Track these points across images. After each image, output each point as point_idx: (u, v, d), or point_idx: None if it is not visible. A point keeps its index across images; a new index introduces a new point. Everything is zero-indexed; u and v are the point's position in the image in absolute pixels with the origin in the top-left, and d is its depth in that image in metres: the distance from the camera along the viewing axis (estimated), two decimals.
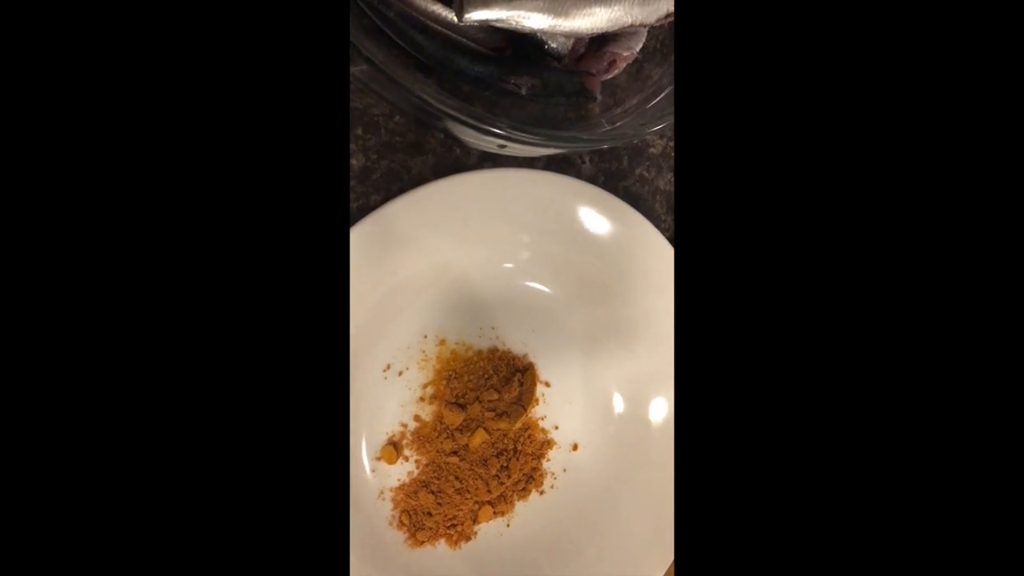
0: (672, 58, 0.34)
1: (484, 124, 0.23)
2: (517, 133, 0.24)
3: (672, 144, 0.41)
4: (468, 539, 0.34)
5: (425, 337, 0.33)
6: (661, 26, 0.32)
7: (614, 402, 0.36)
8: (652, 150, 0.40)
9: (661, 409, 0.36)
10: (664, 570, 0.36)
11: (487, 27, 0.29)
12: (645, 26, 0.31)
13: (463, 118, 0.23)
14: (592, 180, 0.39)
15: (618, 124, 0.30)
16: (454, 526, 0.33)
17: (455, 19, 0.28)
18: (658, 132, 0.40)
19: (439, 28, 0.30)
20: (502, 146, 0.25)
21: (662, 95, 0.33)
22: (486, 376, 0.34)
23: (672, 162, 0.40)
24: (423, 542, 0.33)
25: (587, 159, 0.39)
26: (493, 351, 0.35)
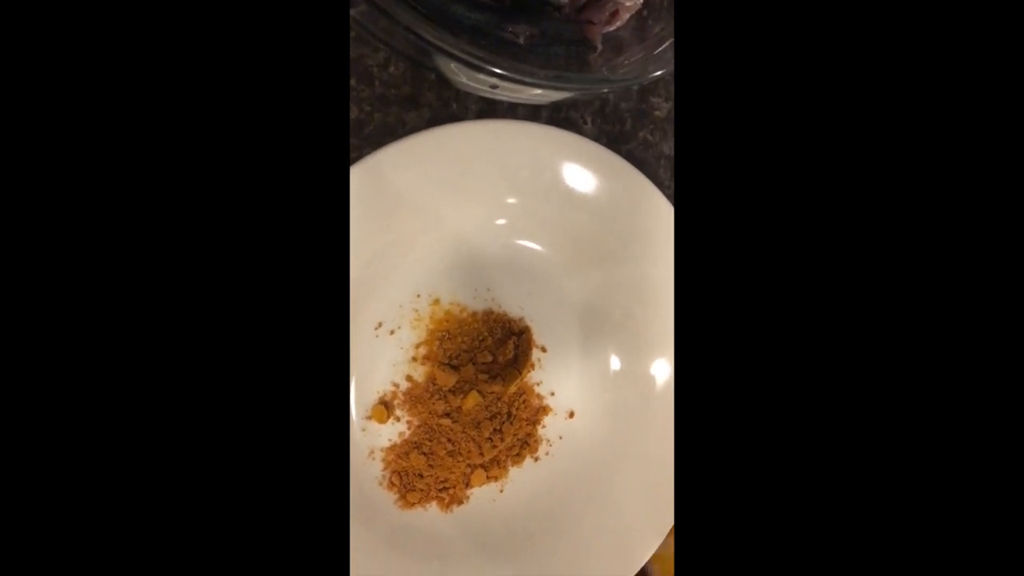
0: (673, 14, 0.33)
1: (476, 60, 0.22)
2: (510, 72, 0.23)
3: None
4: (460, 503, 0.33)
5: (418, 296, 0.33)
6: None
7: (611, 367, 0.35)
8: (657, 112, 0.39)
9: (660, 373, 0.35)
10: (659, 542, 0.35)
11: None
12: None
13: (456, 53, 0.22)
14: (594, 140, 0.38)
15: (619, 73, 0.29)
16: (446, 489, 0.33)
17: None
18: (663, 96, 0.39)
19: None
20: (494, 86, 0.25)
21: (666, 44, 0.32)
22: (480, 337, 0.33)
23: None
24: (414, 504, 0.32)
25: (589, 120, 0.38)
26: (488, 313, 0.34)
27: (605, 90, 0.26)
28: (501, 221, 0.33)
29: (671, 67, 0.28)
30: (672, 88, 0.39)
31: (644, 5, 0.33)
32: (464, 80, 0.26)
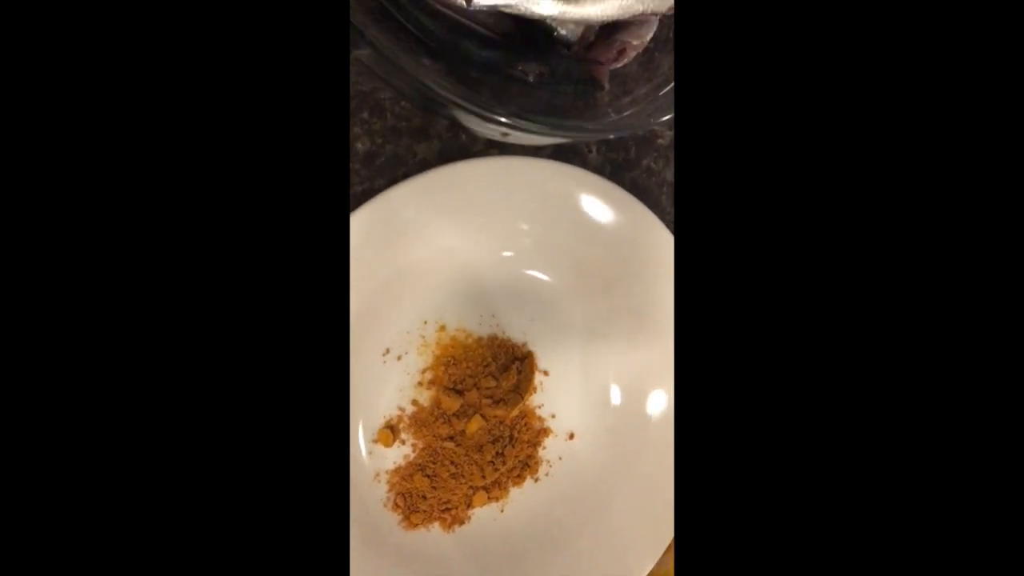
0: None
1: (487, 112, 0.23)
2: (520, 121, 0.23)
3: None
4: (462, 523, 0.34)
5: (425, 323, 0.34)
6: (673, 15, 0.32)
7: (612, 394, 0.36)
8: (660, 141, 0.40)
9: (659, 402, 0.36)
10: (656, 560, 0.36)
11: (496, 12, 0.29)
12: (657, 14, 0.31)
13: (466, 105, 0.23)
14: (598, 170, 0.39)
15: (625, 114, 0.30)
16: (448, 510, 0.34)
17: (464, 3, 0.28)
18: (666, 123, 0.40)
19: (447, 11, 0.30)
20: (505, 134, 0.25)
21: (671, 86, 0.33)
22: (484, 363, 0.34)
23: None
24: (417, 524, 0.33)
25: (594, 149, 0.38)
26: (493, 338, 0.35)
27: (611, 136, 0.27)
28: (508, 253, 0.33)
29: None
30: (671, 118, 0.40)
31: (651, 40, 0.34)
32: (474, 127, 0.26)
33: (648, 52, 0.34)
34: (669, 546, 0.36)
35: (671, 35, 0.35)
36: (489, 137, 0.30)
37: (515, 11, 0.28)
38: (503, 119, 0.23)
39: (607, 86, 0.30)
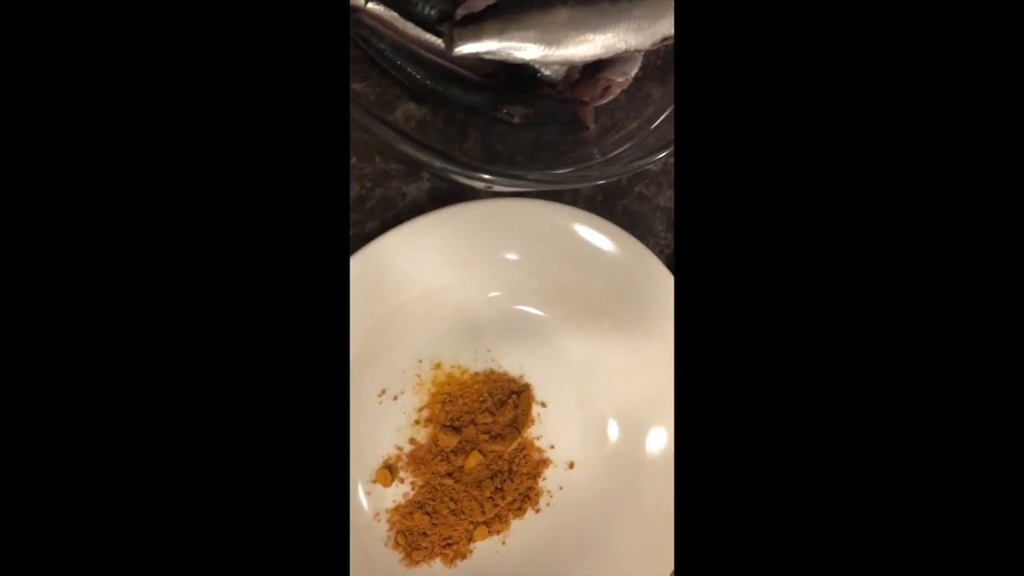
0: (672, 79, 0.33)
1: (467, 171, 0.23)
2: (501, 178, 0.24)
3: (672, 161, 0.40)
4: (463, 557, 0.34)
5: (420, 361, 0.34)
6: (663, 47, 0.32)
7: (609, 428, 0.36)
8: (651, 167, 0.40)
9: (658, 439, 0.36)
10: None
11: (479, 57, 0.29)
12: (640, 51, 0.31)
13: (446, 167, 0.23)
14: (591, 199, 0.39)
15: (614, 153, 0.30)
16: (449, 545, 0.34)
17: (446, 50, 0.28)
18: (657, 162, 0.40)
19: (432, 57, 0.30)
20: (489, 186, 0.25)
21: (662, 118, 0.32)
22: (481, 399, 0.34)
23: (672, 179, 0.40)
24: (419, 562, 0.33)
25: None
26: (489, 373, 0.35)
27: (601, 182, 0.27)
28: (497, 292, 0.34)
29: (663, 152, 0.28)
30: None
31: (640, 69, 0.34)
32: (460, 180, 0.26)
33: (638, 82, 0.34)
34: (670, 574, 0.36)
35: (661, 63, 0.35)
36: (474, 186, 0.31)
37: (498, 57, 0.28)
38: (484, 176, 0.24)
39: (592, 126, 0.30)
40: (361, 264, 0.30)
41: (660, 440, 0.36)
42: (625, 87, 0.31)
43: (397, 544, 0.33)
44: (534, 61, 0.29)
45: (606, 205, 0.38)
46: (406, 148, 0.22)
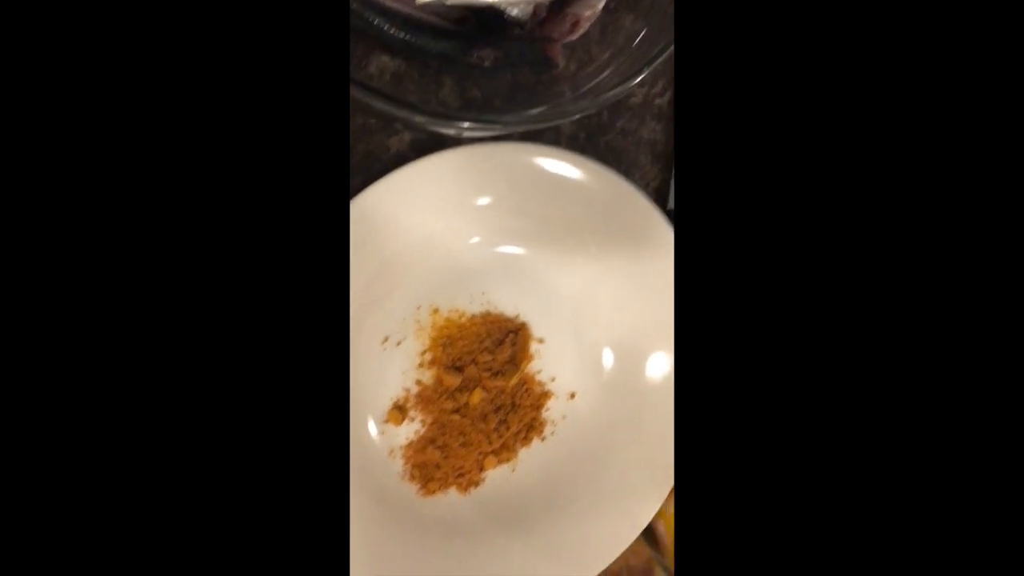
0: (643, 2, 0.33)
1: (441, 122, 0.24)
2: (474, 126, 0.24)
3: (654, 91, 0.40)
4: (476, 485, 0.37)
5: (419, 308, 0.36)
6: None
7: (605, 358, 0.38)
8: (633, 99, 0.40)
9: (658, 364, 0.38)
10: (661, 501, 0.39)
11: (444, 5, 0.29)
12: None
13: (419, 119, 0.24)
14: (573, 136, 0.39)
15: (583, 88, 0.30)
16: (462, 475, 0.37)
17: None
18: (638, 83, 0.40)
19: (399, 8, 0.30)
20: (461, 134, 0.26)
21: (636, 41, 0.32)
22: (480, 339, 0.36)
23: (654, 110, 0.40)
24: (434, 491, 0.36)
25: None
26: (486, 315, 0.37)
27: (579, 115, 0.27)
28: (486, 236, 0.35)
29: (637, 79, 0.28)
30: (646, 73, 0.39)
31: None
32: (435, 129, 0.27)
33: (611, 13, 0.34)
34: (672, 490, 0.39)
35: None
36: (450, 135, 0.31)
37: (462, 2, 0.28)
38: (459, 124, 0.24)
39: (560, 64, 0.31)
40: (350, 220, 0.31)
41: (658, 364, 0.38)
42: (593, 20, 0.31)
43: (413, 477, 0.36)
44: (499, 2, 0.29)
45: (589, 142, 0.39)
46: (378, 104, 0.23)
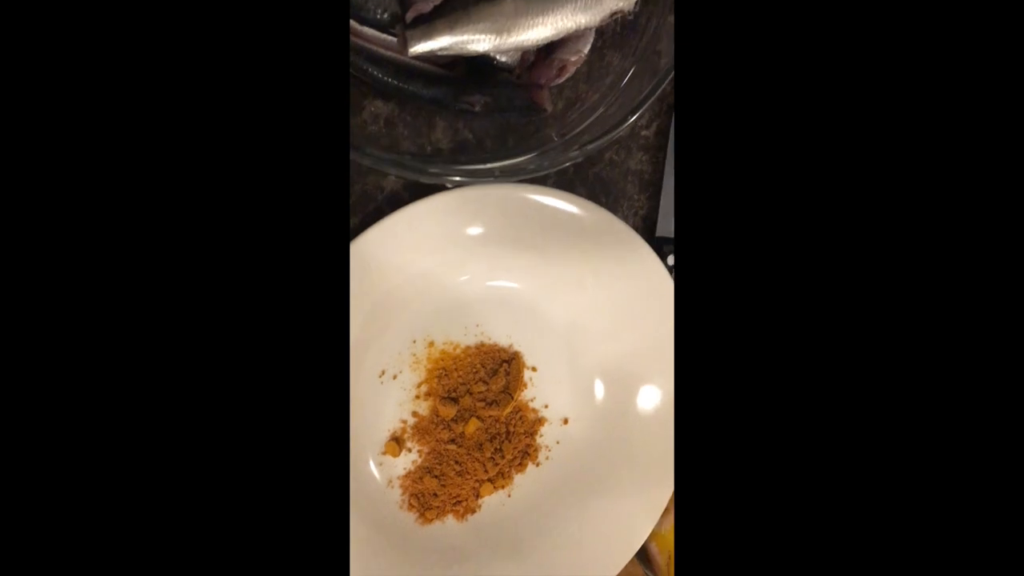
0: (630, 39, 0.34)
1: (437, 176, 0.25)
2: (468, 180, 0.25)
3: (640, 123, 0.41)
4: (473, 512, 0.38)
5: (414, 342, 0.36)
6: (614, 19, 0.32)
7: (597, 386, 0.39)
8: (619, 132, 0.41)
9: (647, 393, 0.39)
10: (654, 522, 0.40)
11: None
12: (591, 28, 0.32)
13: (410, 174, 0.25)
14: (562, 170, 0.40)
15: (570, 135, 0.31)
16: (459, 502, 0.37)
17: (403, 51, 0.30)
18: (624, 130, 0.41)
19: (391, 56, 0.31)
20: (456, 186, 0.27)
21: (624, 81, 0.33)
22: (474, 370, 0.37)
23: (640, 141, 0.41)
24: (432, 520, 0.37)
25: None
26: (480, 346, 0.38)
27: (566, 164, 0.28)
28: (479, 271, 0.36)
29: (616, 132, 0.30)
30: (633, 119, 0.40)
31: (598, 35, 0.34)
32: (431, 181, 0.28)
33: (598, 51, 0.35)
34: (667, 507, 0.40)
35: (618, 31, 0.35)
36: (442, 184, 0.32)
37: (453, 52, 0.29)
38: (454, 178, 0.25)
39: (548, 108, 0.32)
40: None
41: (650, 392, 0.39)
42: (580, 64, 0.33)
43: (411, 506, 0.37)
44: (488, 51, 0.30)
45: (577, 174, 0.40)
46: (363, 159, 0.24)
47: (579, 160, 0.29)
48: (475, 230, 0.34)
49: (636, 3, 0.31)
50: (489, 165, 0.26)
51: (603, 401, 0.39)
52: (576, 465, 0.40)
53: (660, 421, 0.38)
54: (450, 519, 0.38)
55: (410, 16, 0.28)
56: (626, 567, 0.39)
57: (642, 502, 0.39)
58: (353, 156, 0.24)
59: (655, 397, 0.39)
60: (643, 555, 0.42)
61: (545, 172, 0.28)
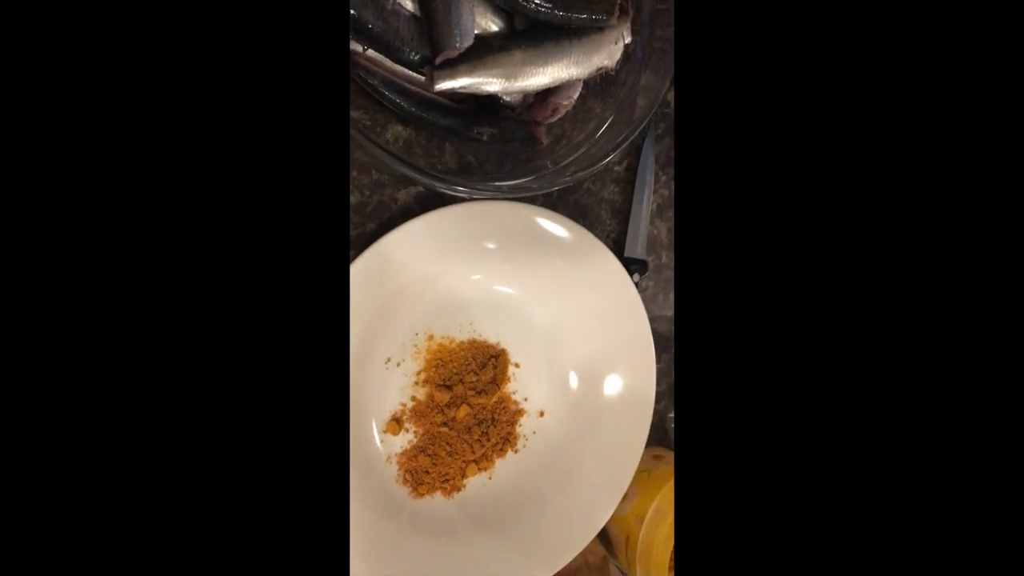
0: (611, 90, 0.41)
1: (449, 188, 0.31)
2: (476, 191, 0.31)
3: (612, 160, 0.48)
4: (459, 490, 0.43)
5: (417, 334, 0.42)
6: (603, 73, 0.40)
7: (571, 381, 0.45)
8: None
9: (612, 385, 0.45)
10: (614, 507, 0.45)
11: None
12: (580, 79, 0.39)
13: (432, 184, 0.31)
14: (547, 195, 0.47)
15: (561, 165, 0.38)
16: (447, 480, 0.42)
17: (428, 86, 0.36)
18: (603, 167, 0.48)
19: (415, 89, 0.37)
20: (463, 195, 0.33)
21: (602, 129, 0.40)
22: (467, 362, 0.43)
23: (613, 175, 0.48)
24: (423, 494, 0.42)
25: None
26: (472, 342, 0.43)
27: (557, 188, 0.35)
28: (481, 273, 0.42)
29: (599, 165, 0.36)
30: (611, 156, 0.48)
31: (585, 86, 0.42)
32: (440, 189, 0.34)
33: (583, 99, 0.42)
34: (625, 495, 0.45)
35: (600, 83, 0.43)
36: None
37: (469, 91, 0.36)
38: (460, 188, 0.31)
39: (544, 141, 0.38)
40: (366, 260, 0.38)
41: (614, 380, 0.45)
42: (570, 107, 0.39)
43: (406, 481, 0.42)
44: (498, 92, 0.37)
45: (560, 199, 0.47)
46: (398, 167, 0.30)
47: (570, 184, 0.35)
48: (482, 239, 0.40)
49: (618, 61, 0.39)
50: (499, 183, 0.32)
51: (576, 389, 0.45)
52: (549, 454, 0.45)
53: (623, 402, 0.44)
54: (439, 495, 0.42)
55: (439, 59, 0.34)
56: (590, 546, 0.45)
57: (604, 488, 0.45)
58: (395, 166, 0.30)
59: (618, 384, 0.45)
60: (604, 536, 0.47)
61: (543, 192, 0.35)
